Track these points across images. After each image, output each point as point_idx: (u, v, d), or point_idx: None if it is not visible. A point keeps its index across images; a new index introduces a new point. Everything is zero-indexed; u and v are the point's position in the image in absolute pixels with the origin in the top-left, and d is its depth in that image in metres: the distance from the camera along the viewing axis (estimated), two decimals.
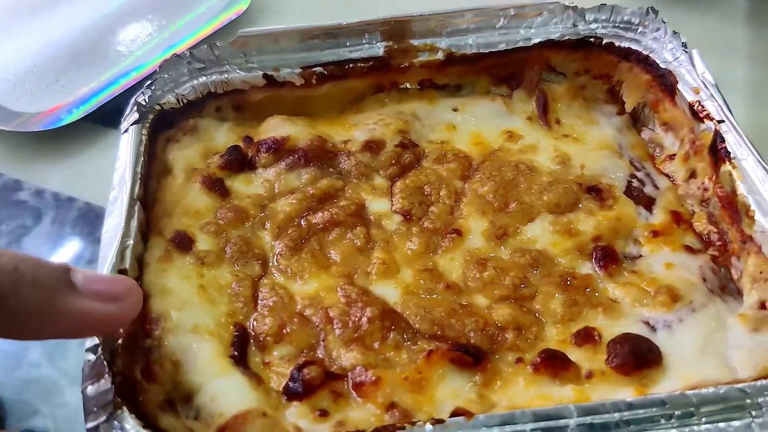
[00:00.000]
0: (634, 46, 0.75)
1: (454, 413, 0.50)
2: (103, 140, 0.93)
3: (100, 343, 0.51)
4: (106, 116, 0.93)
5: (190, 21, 1.03)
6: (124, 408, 0.48)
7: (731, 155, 0.63)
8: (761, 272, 0.57)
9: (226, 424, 0.50)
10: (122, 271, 0.57)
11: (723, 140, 0.64)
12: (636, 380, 0.54)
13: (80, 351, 0.72)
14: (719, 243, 0.63)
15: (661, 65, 0.73)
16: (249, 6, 1.04)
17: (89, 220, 0.84)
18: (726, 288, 0.61)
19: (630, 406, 0.47)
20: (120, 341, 0.53)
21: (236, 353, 0.55)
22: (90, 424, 0.47)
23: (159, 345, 0.55)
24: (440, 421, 0.47)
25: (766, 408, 0.47)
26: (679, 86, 0.70)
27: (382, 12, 0.76)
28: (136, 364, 0.53)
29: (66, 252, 0.81)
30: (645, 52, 0.74)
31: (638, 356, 0.54)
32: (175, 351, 0.55)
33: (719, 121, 0.65)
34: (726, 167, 0.63)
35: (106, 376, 0.49)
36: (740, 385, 0.48)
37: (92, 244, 0.81)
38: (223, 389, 0.52)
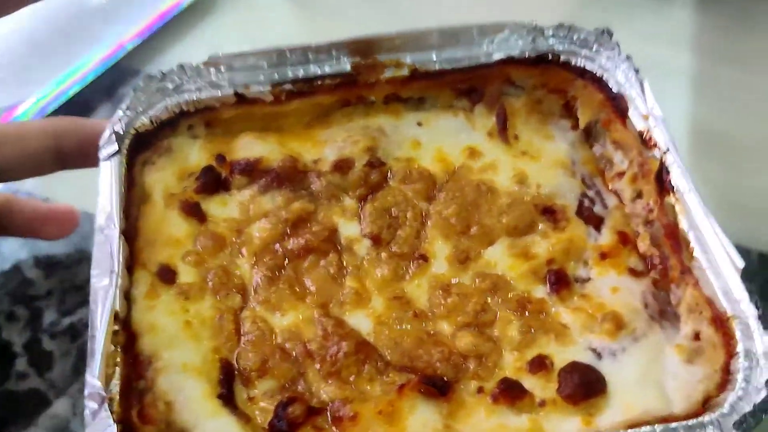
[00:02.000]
0: (588, 65, 0.79)
1: None
2: None
3: (100, 388, 0.55)
4: (76, 111, 0.94)
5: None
6: None
7: (674, 188, 0.68)
8: (697, 304, 0.64)
9: None
10: (116, 314, 0.60)
11: (668, 171, 0.69)
12: (584, 409, 0.61)
13: (64, 361, 0.76)
14: (660, 267, 0.69)
15: (614, 87, 0.77)
16: None
17: None
18: (665, 312, 0.67)
19: None
20: (117, 386, 0.57)
21: (224, 391, 0.61)
22: None
23: (152, 386, 0.60)
24: None
25: None
26: (630, 112, 0.74)
27: None
28: (132, 408, 0.58)
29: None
30: (599, 72, 0.78)
31: (586, 386, 0.61)
32: (167, 391, 0.60)
33: (665, 151, 0.70)
34: (670, 199, 0.69)
35: (110, 425, 0.54)
36: (674, 425, 0.55)
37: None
38: (215, 430, 0.58)
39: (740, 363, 0.59)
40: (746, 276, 0.61)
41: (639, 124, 0.73)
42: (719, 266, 0.63)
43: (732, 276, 0.62)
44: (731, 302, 0.62)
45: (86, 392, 0.56)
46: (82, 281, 0.82)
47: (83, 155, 0.60)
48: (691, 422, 0.56)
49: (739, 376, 0.58)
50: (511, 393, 0.61)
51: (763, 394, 0.56)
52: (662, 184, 0.70)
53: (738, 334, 0.60)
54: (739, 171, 0.91)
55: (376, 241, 0.72)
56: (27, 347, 0.79)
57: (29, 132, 0.57)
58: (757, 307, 0.60)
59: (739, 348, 0.60)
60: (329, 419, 0.60)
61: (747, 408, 0.56)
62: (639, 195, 0.74)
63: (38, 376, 0.77)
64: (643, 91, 0.74)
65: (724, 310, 0.62)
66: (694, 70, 1.04)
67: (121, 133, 0.72)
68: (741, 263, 0.61)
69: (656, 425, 0.56)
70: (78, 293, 0.82)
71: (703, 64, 1.04)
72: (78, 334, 0.80)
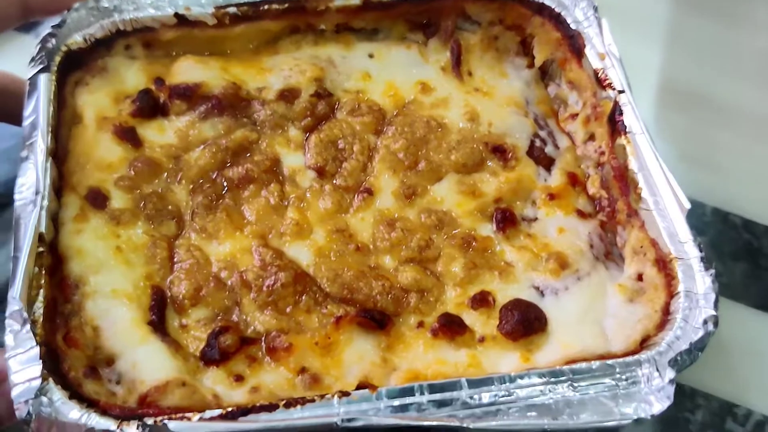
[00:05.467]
0: (547, 1, 0.76)
1: (360, 385, 0.55)
2: (18, 48, 0.88)
3: (22, 309, 0.53)
4: None
5: None
6: (50, 380, 0.51)
7: (627, 129, 0.67)
8: (641, 246, 0.63)
9: (147, 393, 0.53)
10: (41, 236, 0.57)
11: (621, 113, 0.68)
12: (523, 345, 0.60)
13: None
14: (609, 209, 0.69)
15: (572, 24, 0.75)
16: None
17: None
18: (610, 254, 0.67)
19: (513, 379, 0.54)
20: (42, 309, 0.54)
21: (155, 318, 0.58)
22: (19, 398, 0.50)
23: (79, 310, 0.57)
24: (346, 394, 0.52)
25: (630, 381, 0.54)
26: (587, 50, 0.73)
27: None
28: (57, 331, 0.56)
29: None
30: (557, 9, 0.76)
31: (526, 324, 0.60)
32: (94, 316, 0.57)
33: (620, 92, 0.69)
34: (621, 140, 0.67)
35: (32, 346, 0.51)
36: (610, 362, 0.55)
37: None
38: (144, 357, 0.55)
39: (680, 303, 0.59)
40: (699, 230, 0.60)
41: (595, 64, 0.72)
42: (666, 208, 0.62)
43: (678, 218, 0.62)
44: (675, 244, 0.61)
45: (7, 312, 0.53)
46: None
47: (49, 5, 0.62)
48: (628, 359, 0.55)
49: (678, 316, 0.58)
50: (450, 328, 0.60)
51: (700, 333, 0.56)
52: (614, 125, 0.69)
53: (680, 275, 0.60)
54: (705, 126, 0.89)
55: (321, 173, 0.69)
56: None
57: None
58: (701, 249, 0.60)
59: (680, 288, 0.59)
60: (263, 349, 0.58)
61: (684, 346, 0.56)
62: (591, 137, 0.73)
63: None
64: (601, 30, 0.72)
65: (668, 251, 0.61)
66: (669, 20, 1.00)
67: (51, 47, 0.68)
68: (687, 204, 0.61)
69: (593, 362, 0.55)
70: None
71: (679, 15, 1.00)
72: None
